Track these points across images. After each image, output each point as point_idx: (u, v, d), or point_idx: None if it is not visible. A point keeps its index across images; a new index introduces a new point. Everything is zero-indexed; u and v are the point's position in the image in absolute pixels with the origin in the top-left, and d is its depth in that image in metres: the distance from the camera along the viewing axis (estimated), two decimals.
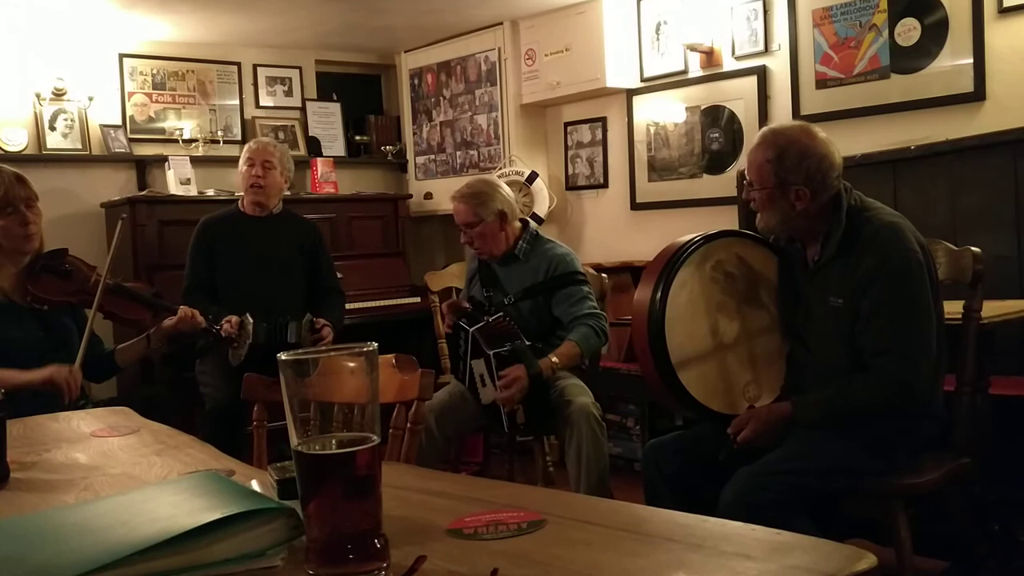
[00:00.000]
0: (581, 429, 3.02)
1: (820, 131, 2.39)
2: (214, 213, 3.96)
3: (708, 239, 2.51)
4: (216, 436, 3.20)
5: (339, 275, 4.17)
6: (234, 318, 3.48)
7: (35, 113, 4.83)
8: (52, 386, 2.70)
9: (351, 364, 1.00)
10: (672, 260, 2.45)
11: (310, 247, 3.94)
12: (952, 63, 3.67)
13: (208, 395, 3.61)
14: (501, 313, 3.18)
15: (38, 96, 4.82)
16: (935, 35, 3.72)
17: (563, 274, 3.28)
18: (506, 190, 3.41)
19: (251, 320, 3.50)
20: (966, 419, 2.42)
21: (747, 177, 2.45)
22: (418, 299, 5.12)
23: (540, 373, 3.04)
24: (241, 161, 3.88)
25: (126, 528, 1.07)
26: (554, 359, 3.10)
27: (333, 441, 0.98)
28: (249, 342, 3.47)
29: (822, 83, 4.10)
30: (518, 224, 3.40)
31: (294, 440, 0.98)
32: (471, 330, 3.16)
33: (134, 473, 1.64)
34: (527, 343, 3.08)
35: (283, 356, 0.97)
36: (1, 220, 2.81)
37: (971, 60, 3.62)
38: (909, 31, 3.79)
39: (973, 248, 2.45)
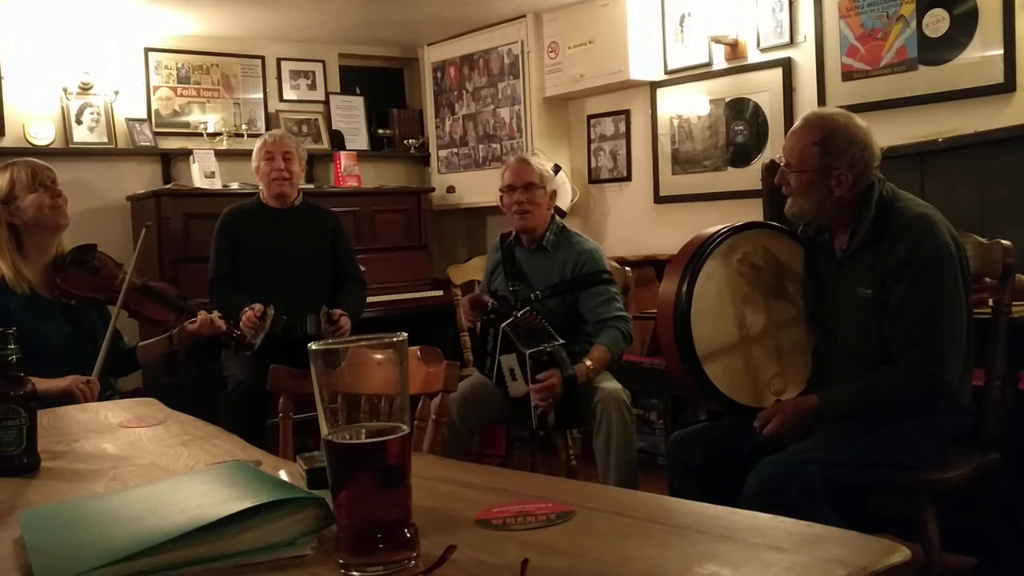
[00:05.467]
0: (611, 416, 3.01)
1: (862, 120, 2.39)
2: (237, 204, 3.98)
3: (735, 231, 2.49)
4: (238, 419, 3.23)
5: (362, 267, 4.18)
6: (258, 305, 3.49)
7: (62, 107, 4.87)
8: (70, 396, 2.71)
9: (381, 355, 1.00)
10: (698, 252, 2.43)
11: (332, 237, 3.95)
12: (981, 54, 3.63)
13: (231, 376, 3.64)
14: (528, 308, 3.18)
15: (65, 91, 4.86)
16: (964, 26, 3.67)
17: (591, 272, 3.28)
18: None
19: (272, 312, 3.51)
20: (995, 414, 2.39)
21: (784, 160, 2.42)
22: (440, 292, 5.13)
23: (575, 377, 3.04)
24: (257, 156, 3.88)
25: (157, 517, 1.08)
26: (589, 363, 3.10)
27: (363, 431, 0.98)
28: (264, 333, 3.48)
29: (848, 75, 4.06)
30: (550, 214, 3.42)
31: (324, 430, 0.98)
32: (502, 327, 3.15)
33: (162, 463, 1.65)
34: (559, 345, 3.07)
35: (314, 346, 0.97)
36: (33, 194, 2.86)
37: (1001, 51, 3.57)
38: (937, 22, 3.75)
39: (1003, 241, 2.42)
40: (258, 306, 3.49)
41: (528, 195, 3.31)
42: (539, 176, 3.35)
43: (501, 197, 3.42)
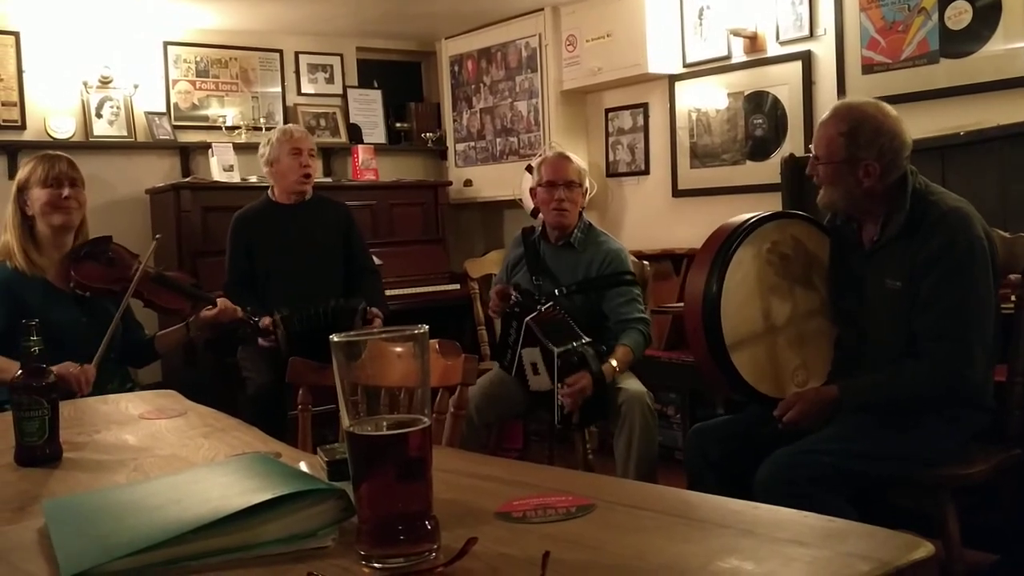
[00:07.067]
0: (634, 418, 3.02)
1: (892, 110, 2.37)
2: (246, 206, 3.95)
3: (764, 220, 2.48)
4: (258, 420, 3.23)
5: (379, 261, 4.19)
6: (267, 319, 3.50)
7: (82, 101, 4.89)
8: (61, 381, 2.70)
9: (402, 347, 1.00)
10: (729, 240, 2.42)
11: (345, 230, 3.95)
12: (1005, 47, 3.58)
13: (250, 379, 3.64)
14: (552, 303, 3.18)
15: (85, 84, 4.88)
16: (987, 18, 3.63)
17: (615, 272, 3.30)
18: None
19: (279, 316, 3.52)
20: (1018, 410, 2.37)
21: (813, 151, 2.42)
22: (457, 286, 5.13)
23: (603, 377, 3.04)
24: (278, 150, 3.83)
25: (179, 507, 1.08)
26: (614, 364, 3.11)
27: (385, 423, 0.98)
28: (284, 335, 3.50)
29: (868, 68, 4.02)
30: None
31: (346, 422, 0.98)
32: (526, 320, 3.16)
33: (182, 454, 1.66)
34: (588, 344, 3.07)
35: (335, 338, 0.98)
36: (40, 190, 2.89)
37: None
38: (960, 14, 3.71)
39: None
40: (267, 319, 3.50)
41: (568, 193, 3.33)
42: (578, 174, 3.37)
43: (533, 191, 3.43)
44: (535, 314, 3.14)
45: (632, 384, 3.12)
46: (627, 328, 3.22)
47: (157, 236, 3.40)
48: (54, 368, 2.64)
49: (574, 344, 3.05)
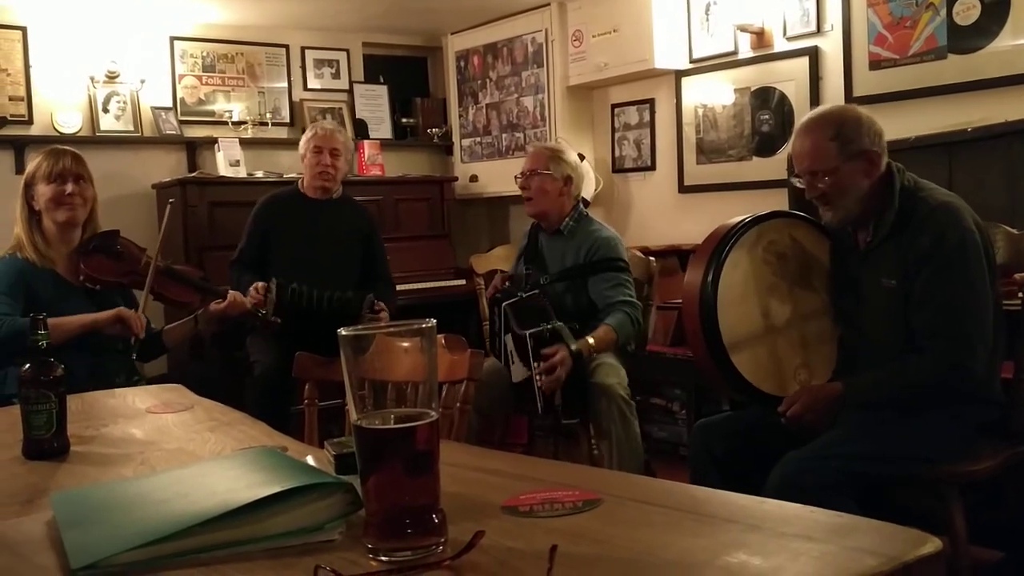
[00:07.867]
0: (610, 411, 3.02)
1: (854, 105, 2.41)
2: (276, 192, 4.02)
3: (760, 220, 2.48)
4: (264, 405, 3.25)
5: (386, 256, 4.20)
6: (259, 284, 3.51)
7: (89, 96, 4.90)
8: (120, 322, 2.82)
9: (409, 342, 1.00)
10: (724, 241, 2.42)
11: (366, 235, 3.98)
12: (1013, 43, 3.57)
13: (258, 362, 3.66)
14: (536, 291, 3.19)
15: (92, 79, 4.89)
16: (996, 13, 3.62)
17: (603, 259, 3.28)
18: (581, 167, 3.51)
19: (274, 285, 3.52)
20: None
21: (805, 171, 2.36)
22: (463, 281, 5.13)
23: (580, 353, 3.02)
24: (305, 146, 3.91)
25: (187, 501, 1.08)
26: (591, 340, 3.08)
27: (392, 416, 0.98)
28: (273, 305, 3.48)
29: (876, 64, 4.01)
30: (574, 202, 3.42)
31: (354, 415, 0.98)
32: (503, 305, 3.17)
33: (189, 448, 1.67)
34: (560, 323, 3.04)
35: (343, 331, 0.98)
36: (50, 189, 2.90)
37: None
38: (968, 10, 3.69)
39: None
40: (261, 284, 3.51)
41: (531, 180, 3.34)
42: (546, 162, 3.34)
43: None
44: (513, 300, 3.15)
45: (606, 378, 3.07)
46: (612, 311, 3.18)
47: (171, 200, 3.40)
48: (112, 312, 2.81)
49: (545, 325, 3.03)
